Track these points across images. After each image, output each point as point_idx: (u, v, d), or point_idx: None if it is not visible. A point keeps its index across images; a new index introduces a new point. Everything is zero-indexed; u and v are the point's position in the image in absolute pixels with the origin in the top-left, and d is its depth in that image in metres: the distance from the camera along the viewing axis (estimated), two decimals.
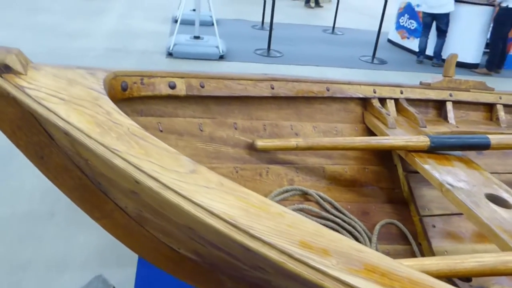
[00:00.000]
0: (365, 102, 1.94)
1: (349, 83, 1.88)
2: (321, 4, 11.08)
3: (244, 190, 0.77)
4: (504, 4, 5.96)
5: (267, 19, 7.56)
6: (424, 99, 2.04)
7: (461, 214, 1.71)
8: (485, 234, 1.26)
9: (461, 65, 6.57)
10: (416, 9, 7.01)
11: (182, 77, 1.50)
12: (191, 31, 5.79)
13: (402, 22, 7.39)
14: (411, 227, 1.73)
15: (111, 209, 1.20)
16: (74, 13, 7.07)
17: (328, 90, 1.82)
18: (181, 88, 1.49)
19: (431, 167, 1.53)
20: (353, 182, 1.81)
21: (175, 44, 5.28)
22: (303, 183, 1.70)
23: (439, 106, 2.12)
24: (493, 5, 6.19)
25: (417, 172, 1.76)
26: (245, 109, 1.71)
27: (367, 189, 1.81)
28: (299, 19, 8.89)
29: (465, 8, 6.34)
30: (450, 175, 1.49)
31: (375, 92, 1.93)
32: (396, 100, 1.97)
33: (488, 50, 6.54)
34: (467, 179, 1.49)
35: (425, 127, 1.88)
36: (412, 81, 5.65)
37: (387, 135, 1.74)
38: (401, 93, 1.98)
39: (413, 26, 7.14)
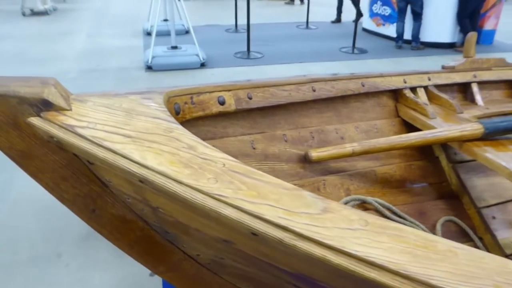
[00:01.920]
0: (396, 94, 1.82)
1: (381, 76, 1.75)
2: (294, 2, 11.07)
3: (394, 225, 0.60)
4: None
5: (240, 22, 7.47)
6: (450, 83, 1.92)
7: None
8: None
9: (439, 46, 6.62)
10: None
11: (229, 90, 1.33)
12: (166, 42, 5.58)
13: (376, 10, 7.37)
14: (467, 222, 1.60)
15: (178, 259, 1.01)
16: (38, 38, 6.71)
17: (363, 85, 1.69)
18: (230, 103, 1.33)
19: (493, 155, 1.41)
20: (403, 182, 1.67)
21: (153, 57, 5.05)
22: (358, 190, 1.55)
23: (464, 89, 2.01)
24: None
25: (464, 162, 1.64)
26: (290, 118, 1.56)
27: (418, 187, 1.67)
28: (271, 18, 8.77)
29: None
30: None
31: (405, 82, 1.79)
32: (426, 88, 1.84)
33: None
34: None
35: (462, 112, 1.76)
36: (395, 67, 5.67)
37: (431, 126, 1.61)
38: (429, 79, 1.86)
39: (387, 12, 7.13)
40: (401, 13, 6.45)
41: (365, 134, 1.68)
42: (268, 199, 0.64)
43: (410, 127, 1.77)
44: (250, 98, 1.39)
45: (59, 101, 0.77)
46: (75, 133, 0.74)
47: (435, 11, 6.45)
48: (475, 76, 1.95)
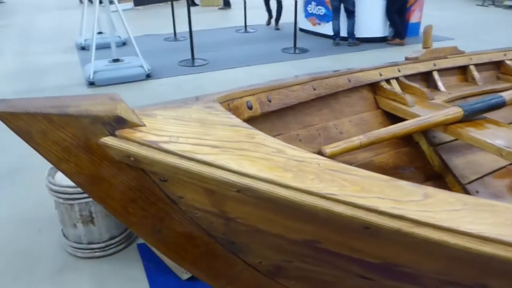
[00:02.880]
0: (374, 87, 1.89)
1: (361, 70, 1.82)
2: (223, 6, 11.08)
3: (484, 201, 0.64)
4: None
5: (178, 30, 7.35)
6: (415, 73, 2.04)
7: (492, 173, 1.72)
8: None
9: (373, 40, 6.98)
10: None
11: (253, 94, 1.33)
12: (104, 55, 5.34)
13: (311, 10, 7.61)
14: None
15: (239, 270, 0.99)
16: None
17: (349, 81, 1.75)
18: (256, 107, 1.34)
19: (476, 134, 1.52)
20: (396, 169, 1.76)
21: (95, 72, 4.81)
22: None
23: (427, 77, 2.14)
24: None
25: (443, 144, 1.73)
26: (298, 118, 1.60)
27: (407, 172, 1.76)
28: (208, 24, 8.73)
29: None
30: (497, 138, 1.48)
31: (381, 75, 1.88)
32: (397, 79, 1.94)
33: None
34: (508, 136, 1.50)
35: (433, 99, 1.87)
36: (336, 63, 5.89)
37: (413, 114, 1.70)
38: (399, 71, 1.95)
39: (322, 12, 7.39)
40: (336, 12, 6.72)
41: (357, 128, 1.74)
42: (373, 192, 0.65)
43: (391, 117, 1.85)
44: (270, 101, 1.42)
45: (132, 117, 0.73)
46: (160, 149, 0.70)
47: (367, 8, 6.80)
48: (435, 65, 2.08)
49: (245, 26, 8.09)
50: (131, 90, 4.67)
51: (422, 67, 2.03)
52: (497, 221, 0.61)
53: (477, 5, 11.58)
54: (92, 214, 1.94)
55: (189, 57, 5.84)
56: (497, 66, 2.31)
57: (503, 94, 1.72)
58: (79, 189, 1.85)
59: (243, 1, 8.19)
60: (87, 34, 6.28)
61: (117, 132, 0.72)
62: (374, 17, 6.89)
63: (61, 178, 1.97)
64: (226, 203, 0.77)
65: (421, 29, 7.63)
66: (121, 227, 2.08)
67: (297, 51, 6.47)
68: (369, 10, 6.82)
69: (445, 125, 1.60)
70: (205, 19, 9.28)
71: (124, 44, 6.66)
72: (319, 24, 7.52)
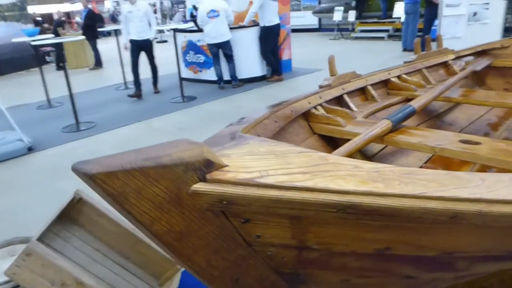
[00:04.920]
0: (306, 114, 1.97)
1: (296, 101, 1.87)
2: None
3: None
4: (262, 24, 6.99)
5: (51, 96, 6.81)
6: (331, 98, 2.18)
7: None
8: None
9: (254, 80, 7.39)
10: (199, 44, 7.47)
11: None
12: None
13: (190, 59, 7.76)
14: None
15: None
16: None
17: (292, 111, 1.79)
18: None
19: (409, 140, 1.68)
20: None
21: None
22: None
23: (339, 100, 2.30)
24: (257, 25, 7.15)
25: (375, 154, 1.88)
26: None
27: None
28: (84, 85, 8.24)
29: (239, 32, 7.13)
30: (425, 139, 1.65)
31: (310, 103, 1.96)
32: (321, 105, 2.05)
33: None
34: (433, 136, 1.68)
35: (356, 117, 2.02)
36: (227, 105, 6.06)
37: (349, 132, 1.80)
38: (320, 98, 2.07)
39: (201, 59, 7.59)
40: (215, 57, 6.97)
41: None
42: (448, 185, 0.73)
43: (327, 140, 1.94)
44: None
45: (217, 159, 0.72)
46: (259, 185, 0.70)
47: (244, 51, 7.21)
48: (343, 89, 2.26)
49: (125, 82, 7.86)
50: (13, 168, 4.11)
51: (335, 92, 2.19)
52: None
53: (330, 39, 13.17)
54: None
55: (73, 122, 5.41)
56: (385, 83, 2.62)
57: (412, 103, 1.95)
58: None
59: (116, 59, 7.99)
60: None
61: (207, 176, 0.68)
62: (252, 58, 7.32)
63: None
64: (310, 230, 0.79)
65: (293, 65, 8.33)
66: None
67: (185, 99, 6.49)
68: (246, 52, 7.23)
69: (381, 137, 1.74)
70: (79, 81, 8.77)
71: None
72: (201, 71, 7.70)
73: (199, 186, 0.69)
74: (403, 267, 0.92)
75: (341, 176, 0.74)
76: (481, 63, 3.07)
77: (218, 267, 0.82)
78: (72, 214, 1.89)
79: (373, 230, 0.77)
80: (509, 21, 9.52)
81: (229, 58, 7.00)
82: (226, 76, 7.09)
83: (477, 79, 3.21)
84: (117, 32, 7.85)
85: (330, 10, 13.53)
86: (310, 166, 0.77)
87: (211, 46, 6.85)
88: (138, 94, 6.83)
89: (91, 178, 0.63)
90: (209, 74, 7.45)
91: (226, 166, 0.73)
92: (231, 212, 0.74)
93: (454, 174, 0.77)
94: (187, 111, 5.90)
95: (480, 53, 3.35)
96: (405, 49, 9.65)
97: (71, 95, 5.33)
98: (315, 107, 1.99)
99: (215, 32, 6.70)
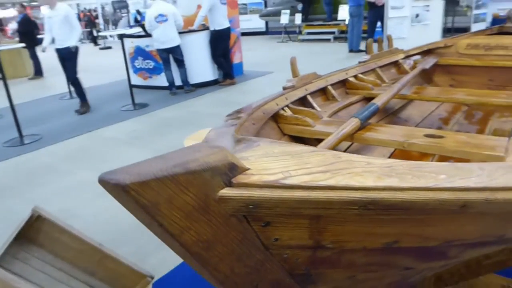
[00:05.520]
0: (275, 116, 1.95)
1: (265, 103, 1.85)
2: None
3: None
4: (212, 28, 6.96)
5: None
6: (296, 99, 2.19)
7: None
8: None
9: (206, 84, 7.33)
10: (148, 49, 7.28)
11: None
12: None
13: (138, 65, 7.55)
14: None
15: None
16: None
17: (264, 113, 1.77)
18: None
19: (378, 136, 1.71)
20: None
21: None
22: None
23: (303, 101, 2.32)
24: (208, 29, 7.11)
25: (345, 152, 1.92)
26: None
27: None
28: (24, 96, 7.76)
29: (189, 37, 7.04)
30: (392, 135, 1.70)
31: (277, 104, 1.95)
32: (288, 106, 2.05)
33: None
34: (398, 132, 1.73)
35: (322, 117, 2.04)
36: (181, 111, 5.95)
37: (318, 132, 1.81)
38: (286, 99, 2.07)
39: (151, 65, 7.40)
40: (166, 63, 6.83)
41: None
42: (454, 176, 0.76)
43: (297, 141, 1.94)
44: None
45: (240, 162, 0.70)
46: (284, 186, 0.69)
47: (194, 55, 7.13)
48: (306, 90, 2.29)
49: (70, 92, 7.48)
50: None
51: (299, 93, 2.21)
52: None
53: (278, 42, 13.37)
54: None
55: (16, 135, 5.08)
56: (343, 83, 2.68)
57: (374, 101, 2.01)
58: None
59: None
60: None
61: (233, 181, 0.67)
62: (203, 63, 7.26)
63: None
64: (327, 229, 0.79)
65: (244, 68, 8.36)
66: None
67: (136, 107, 6.30)
68: (197, 57, 7.16)
69: (351, 135, 1.77)
70: (19, 92, 8.24)
71: None
72: (150, 77, 7.52)
73: (226, 192, 0.68)
74: (405, 259, 0.94)
75: (358, 173, 0.74)
76: (429, 62, 3.24)
77: (241, 274, 0.81)
78: (30, 234, 1.75)
79: (385, 224, 0.79)
80: (448, 23, 10.19)
81: (180, 63, 6.89)
82: (178, 82, 6.97)
83: (426, 76, 3.38)
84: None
85: (277, 13, 13.75)
86: (327, 165, 0.77)
87: (161, 51, 6.71)
88: (85, 110, 6.28)
89: (124, 189, 0.60)
90: (160, 80, 7.29)
91: (249, 169, 0.72)
92: (253, 216, 0.73)
93: (455, 165, 0.81)
94: (139, 119, 5.72)
95: (426, 52, 3.53)
96: (351, 50, 10.00)
97: (12, 106, 5.00)
98: (283, 109, 1.99)
99: (164, 37, 6.57)
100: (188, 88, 6.99)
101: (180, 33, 6.79)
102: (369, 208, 0.73)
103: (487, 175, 0.78)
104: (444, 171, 0.78)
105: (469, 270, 1.52)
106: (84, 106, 6.33)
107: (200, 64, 7.22)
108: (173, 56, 6.82)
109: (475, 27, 9.27)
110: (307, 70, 2.56)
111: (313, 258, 0.86)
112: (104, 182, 0.61)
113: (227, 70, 7.37)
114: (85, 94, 6.34)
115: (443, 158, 1.95)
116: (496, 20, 8.78)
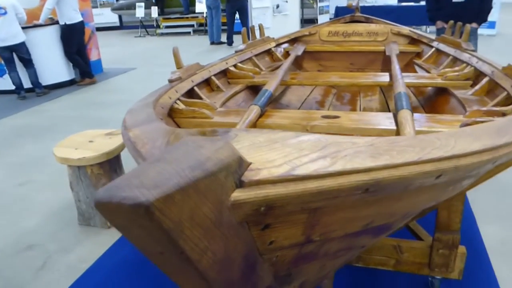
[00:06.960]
0: (170, 111, 1.80)
1: (159, 97, 1.68)
2: None
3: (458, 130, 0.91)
4: (62, 22, 6.26)
5: None
6: (185, 91, 2.07)
7: None
8: None
9: (62, 85, 6.61)
10: None
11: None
12: None
13: None
14: None
15: None
16: None
17: (162, 108, 1.63)
18: None
19: (281, 121, 1.71)
20: None
21: None
22: None
23: (191, 93, 2.22)
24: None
25: None
26: None
27: None
28: None
29: (35, 32, 6.21)
30: (292, 119, 1.72)
31: (170, 98, 1.80)
32: (178, 99, 1.92)
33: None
34: (297, 116, 1.77)
35: (217, 108, 1.97)
36: (35, 117, 5.23)
37: (220, 123, 1.73)
38: (177, 91, 1.94)
39: None
40: (9, 63, 5.90)
41: None
42: (426, 148, 0.78)
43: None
44: None
45: (243, 156, 0.60)
46: (297, 178, 0.61)
47: (44, 53, 6.33)
48: (192, 81, 2.20)
49: None
50: None
51: (186, 85, 2.11)
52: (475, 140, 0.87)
53: (136, 36, 12.76)
54: None
55: None
56: (224, 73, 2.68)
57: (266, 88, 2.04)
58: None
59: None
60: None
61: (244, 180, 0.57)
62: (55, 61, 6.50)
63: None
64: (320, 221, 0.75)
65: (103, 65, 7.76)
66: None
67: None
68: (47, 54, 6.37)
69: (254, 122, 1.74)
70: None
71: None
72: None
73: (239, 195, 0.57)
74: (365, 238, 0.94)
75: (353, 155, 0.71)
76: (300, 49, 3.44)
77: (243, 286, 0.71)
78: None
79: (368, 206, 0.78)
80: (304, 14, 11.05)
81: (27, 62, 6.03)
82: (27, 84, 6.11)
83: (296, 63, 3.59)
84: None
85: (131, 7, 13.08)
86: (320, 149, 0.71)
87: (2, 49, 5.76)
88: None
89: (148, 211, 0.43)
90: (4, 83, 6.29)
91: (251, 163, 0.61)
92: (253, 220, 0.63)
93: (418, 137, 0.83)
94: None
95: (294, 40, 3.75)
96: (212, 43, 10.11)
97: None
98: (175, 102, 1.87)
99: (4, 33, 5.66)
100: (40, 91, 6.18)
101: (23, 28, 5.94)
102: (372, 190, 0.71)
103: (445, 145, 0.81)
104: (414, 144, 0.79)
105: None
106: None
107: (52, 63, 6.45)
108: (17, 54, 5.93)
109: (321, 19, 10.27)
110: (172, 65, 2.47)
111: (297, 256, 0.82)
112: (110, 205, 0.44)
113: (84, 68, 6.73)
114: None
115: None
116: (339, 11, 9.83)
